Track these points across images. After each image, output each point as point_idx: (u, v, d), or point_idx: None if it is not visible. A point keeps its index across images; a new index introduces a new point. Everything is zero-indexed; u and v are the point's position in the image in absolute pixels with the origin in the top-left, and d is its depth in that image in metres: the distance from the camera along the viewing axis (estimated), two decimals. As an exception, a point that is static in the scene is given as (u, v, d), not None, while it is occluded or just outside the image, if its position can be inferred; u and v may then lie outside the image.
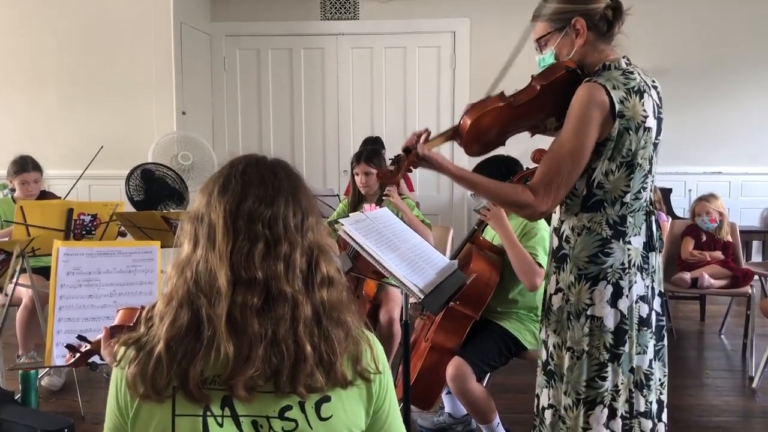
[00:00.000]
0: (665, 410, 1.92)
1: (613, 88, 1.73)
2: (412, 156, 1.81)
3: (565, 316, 1.85)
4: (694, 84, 5.76)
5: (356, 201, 3.68)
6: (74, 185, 4.58)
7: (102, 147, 4.74)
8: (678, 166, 5.77)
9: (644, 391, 1.83)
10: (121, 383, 1.08)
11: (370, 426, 1.15)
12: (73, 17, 5.48)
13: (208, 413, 1.05)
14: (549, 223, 2.07)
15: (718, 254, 4.36)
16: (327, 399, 1.08)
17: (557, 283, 1.88)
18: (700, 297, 4.86)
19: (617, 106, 1.71)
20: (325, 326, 1.07)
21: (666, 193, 5.49)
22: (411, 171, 1.90)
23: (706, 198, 4.47)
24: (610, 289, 1.79)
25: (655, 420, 1.87)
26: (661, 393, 1.90)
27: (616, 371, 1.80)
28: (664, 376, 1.91)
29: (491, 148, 1.91)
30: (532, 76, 1.86)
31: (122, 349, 1.09)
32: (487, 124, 1.82)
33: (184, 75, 5.59)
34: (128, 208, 4.11)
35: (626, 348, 1.80)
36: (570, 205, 1.85)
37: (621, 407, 1.81)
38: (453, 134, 1.86)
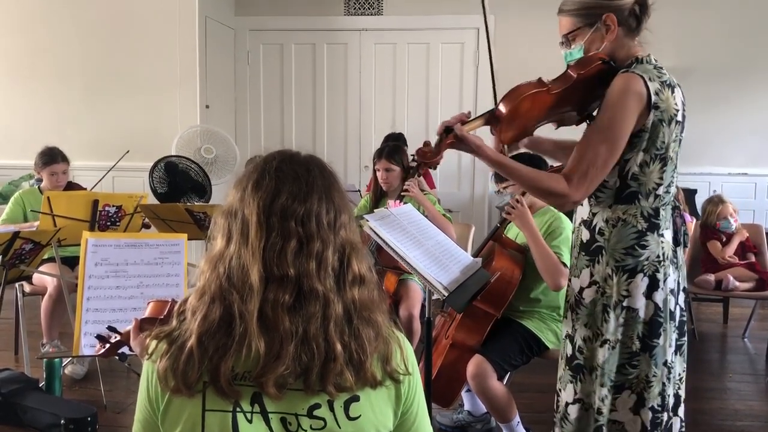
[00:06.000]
0: (682, 405, 1.92)
1: (650, 79, 1.74)
2: (452, 136, 1.79)
3: (600, 309, 1.85)
4: (719, 84, 5.68)
5: (378, 197, 3.68)
6: (101, 179, 4.63)
7: (128, 151, 4.77)
8: (703, 167, 5.70)
9: (669, 384, 1.86)
10: (152, 376, 1.09)
11: (398, 427, 1.15)
12: (98, 11, 5.54)
13: (238, 409, 1.05)
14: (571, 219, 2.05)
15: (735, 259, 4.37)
16: (356, 399, 1.08)
17: (591, 276, 1.87)
18: (723, 299, 4.81)
19: (653, 98, 1.73)
20: (356, 325, 1.07)
21: (690, 193, 5.43)
22: (433, 168, 1.89)
23: (722, 200, 4.46)
24: (646, 281, 1.80)
25: (670, 413, 1.88)
26: (678, 387, 1.91)
27: (647, 362, 1.81)
28: (683, 371, 1.92)
29: (523, 135, 1.90)
30: (568, 64, 1.85)
31: (154, 343, 1.10)
32: (525, 109, 1.81)
33: (208, 69, 5.63)
34: (152, 200, 4.15)
35: (660, 341, 1.81)
36: (602, 197, 1.85)
37: (653, 399, 1.82)
38: (490, 118, 1.84)
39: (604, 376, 1.84)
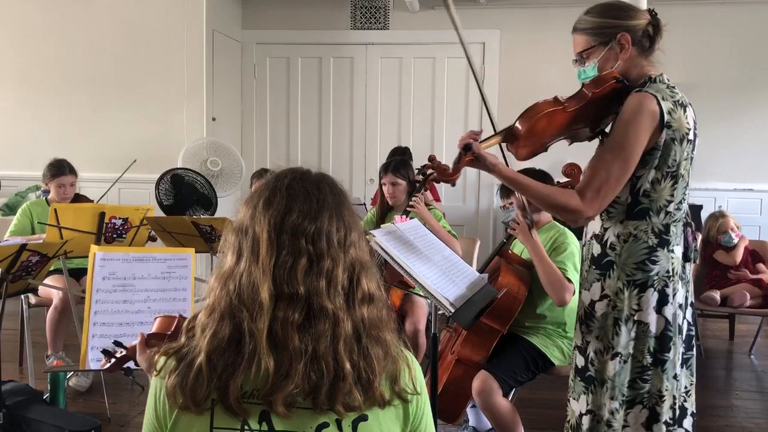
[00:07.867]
0: (688, 418, 1.93)
1: (662, 99, 1.77)
2: (470, 154, 1.82)
3: (611, 322, 1.88)
4: (725, 99, 5.68)
5: (384, 210, 3.69)
6: (108, 191, 4.65)
7: (135, 161, 4.83)
8: (708, 182, 5.69)
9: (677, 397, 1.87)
10: (160, 393, 1.09)
11: None
12: (107, 24, 5.59)
13: (246, 427, 1.05)
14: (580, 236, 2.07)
15: (746, 273, 4.35)
16: (364, 418, 1.08)
17: (602, 290, 1.90)
18: (729, 315, 4.79)
19: (666, 117, 1.76)
20: (365, 344, 1.07)
21: (696, 209, 5.41)
22: (452, 185, 1.92)
23: (723, 214, 4.46)
24: (656, 295, 1.83)
25: (675, 426, 1.89)
26: (684, 400, 1.92)
27: (659, 376, 1.84)
28: (691, 384, 1.94)
29: (537, 152, 1.93)
30: (582, 83, 1.88)
31: (163, 359, 1.10)
32: (541, 127, 1.85)
33: (215, 82, 5.66)
34: (157, 212, 4.16)
35: (671, 355, 1.84)
36: (613, 212, 1.88)
37: (666, 413, 1.84)
38: (506, 136, 1.87)
39: (615, 389, 1.87)
